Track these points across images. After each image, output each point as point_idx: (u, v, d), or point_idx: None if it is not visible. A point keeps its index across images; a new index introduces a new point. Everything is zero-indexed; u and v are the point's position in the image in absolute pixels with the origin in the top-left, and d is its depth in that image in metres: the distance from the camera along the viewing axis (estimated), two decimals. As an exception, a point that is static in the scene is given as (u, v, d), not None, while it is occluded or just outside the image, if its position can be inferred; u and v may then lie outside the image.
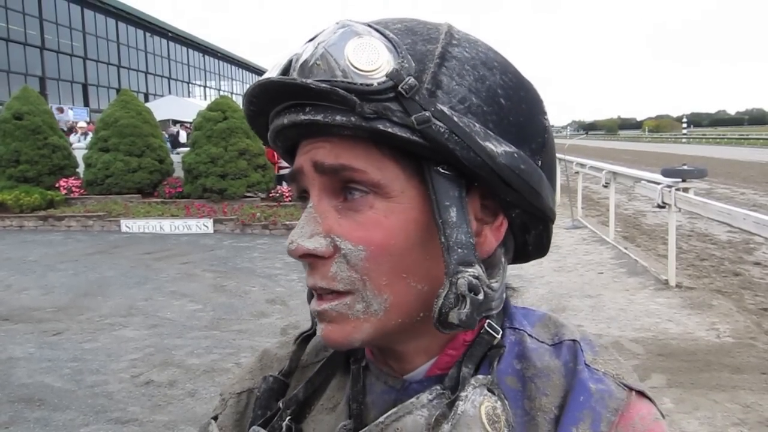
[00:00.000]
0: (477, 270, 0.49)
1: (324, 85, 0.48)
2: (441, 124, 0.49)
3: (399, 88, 0.48)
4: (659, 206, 6.57)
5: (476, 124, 0.50)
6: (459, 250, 0.49)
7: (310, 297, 0.63)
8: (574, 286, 6.51)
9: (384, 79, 0.48)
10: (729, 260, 7.80)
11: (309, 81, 0.49)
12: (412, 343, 0.56)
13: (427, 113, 0.48)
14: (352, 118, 0.49)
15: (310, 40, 0.53)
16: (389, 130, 0.49)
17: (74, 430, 3.75)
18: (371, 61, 0.49)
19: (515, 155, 0.52)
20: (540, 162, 0.55)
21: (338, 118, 0.49)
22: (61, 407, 4.05)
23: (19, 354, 5.04)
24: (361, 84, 0.48)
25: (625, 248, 8.34)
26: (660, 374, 4.19)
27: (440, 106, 0.49)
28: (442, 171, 0.51)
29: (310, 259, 0.52)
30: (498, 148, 0.51)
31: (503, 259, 0.58)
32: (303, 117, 0.51)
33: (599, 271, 7.25)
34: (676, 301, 5.86)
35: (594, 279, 6.87)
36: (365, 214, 0.51)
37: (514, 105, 0.53)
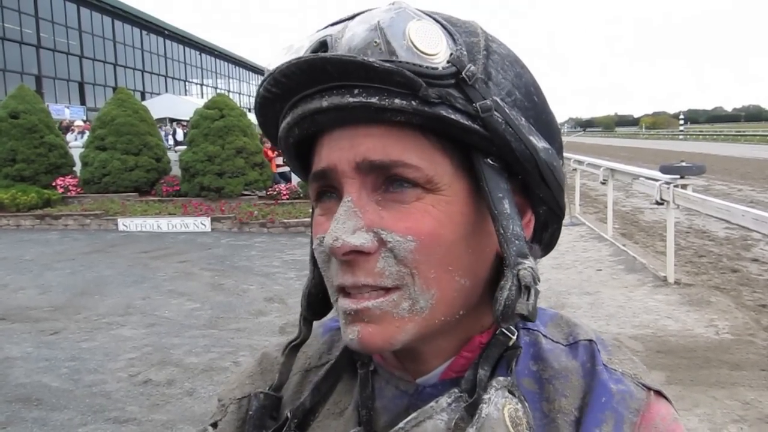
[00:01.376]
0: (532, 262, 0.49)
1: (389, 65, 0.46)
2: (498, 115, 0.48)
3: (462, 75, 0.47)
4: (657, 203, 6.57)
5: (522, 118, 0.50)
6: (516, 241, 0.49)
7: (308, 299, 0.61)
8: (572, 283, 6.51)
9: (447, 64, 0.47)
10: (727, 257, 7.80)
11: (372, 59, 0.46)
12: (434, 344, 0.55)
13: (489, 101, 0.48)
14: (413, 102, 0.46)
15: (337, 22, 0.51)
16: (452, 116, 0.47)
17: (72, 430, 3.74)
18: (433, 45, 0.47)
19: (550, 152, 0.52)
20: (562, 162, 0.56)
21: (397, 101, 0.46)
22: (59, 407, 4.04)
23: (17, 353, 5.03)
24: (428, 66, 0.46)
25: (624, 245, 8.34)
26: (659, 371, 4.18)
27: (495, 97, 0.49)
28: (491, 163, 0.50)
29: (353, 256, 0.49)
30: (539, 143, 0.51)
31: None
32: (351, 99, 0.47)
33: (597, 268, 7.24)
34: (675, 298, 5.85)
35: (592, 276, 6.87)
36: (411, 205, 0.49)
37: (542, 103, 0.54)
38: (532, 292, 0.48)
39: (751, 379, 4.03)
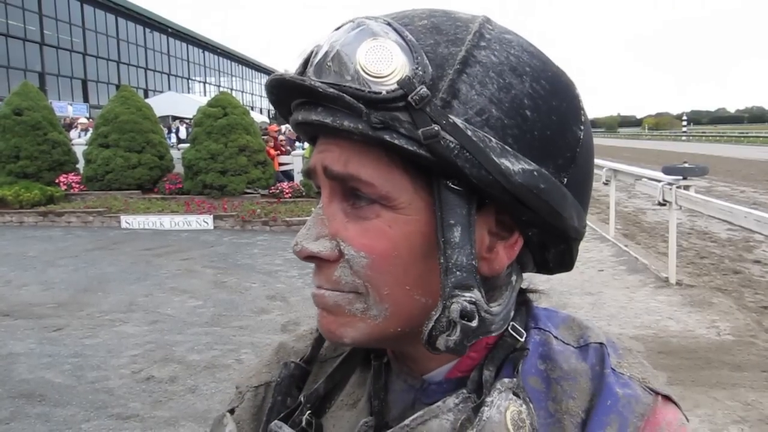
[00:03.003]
0: (475, 295, 0.47)
1: (331, 89, 0.47)
2: (451, 139, 0.46)
3: (409, 99, 0.46)
4: (660, 204, 6.57)
5: (492, 139, 0.47)
6: (457, 272, 0.47)
7: None
8: (574, 283, 6.51)
9: (394, 87, 0.46)
10: (729, 258, 7.81)
11: (316, 84, 0.47)
12: (422, 348, 0.54)
13: (436, 127, 0.46)
14: (360, 125, 0.47)
15: (336, 30, 0.51)
16: (395, 141, 0.46)
17: (75, 426, 3.75)
18: (384, 67, 0.47)
19: (534, 173, 0.48)
20: (566, 179, 0.51)
21: (346, 123, 0.47)
22: (62, 403, 4.05)
23: (20, 350, 5.05)
24: (370, 91, 0.46)
25: (626, 246, 8.34)
26: (660, 372, 4.19)
27: (453, 119, 0.46)
28: (452, 186, 0.48)
29: (315, 260, 0.52)
30: (515, 165, 0.47)
31: (514, 278, 0.56)
32: (314, 117, 0.49)
33: (599, 268, 7.25)
34: (677, 299, 5.86)
35: (594, 276, 6.87)
36: (371, 221, 0.50)
37: (541, 117, 0.50)
38: (458, 327, 0.47)
39: (752, 380, 4.04)
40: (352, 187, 0.50)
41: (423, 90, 0.46)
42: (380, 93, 0.46)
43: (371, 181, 0.49)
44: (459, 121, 0.46)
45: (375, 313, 0.51)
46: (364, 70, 0.47)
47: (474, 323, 0.47)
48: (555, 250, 0.56)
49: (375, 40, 0.47)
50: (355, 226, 0.50)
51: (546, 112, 0.50)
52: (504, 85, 0.49)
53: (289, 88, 0.51)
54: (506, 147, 0.48)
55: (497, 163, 0.47)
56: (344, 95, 0.46)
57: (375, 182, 0.49)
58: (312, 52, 0.51)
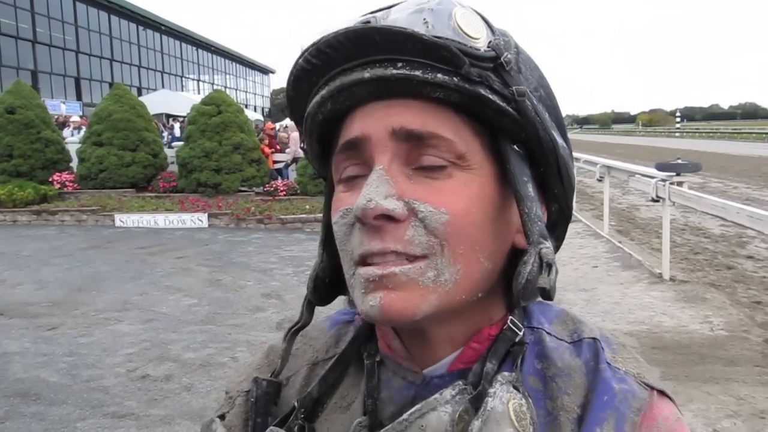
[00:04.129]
0: (550, 243, 0.51)
1: (437, 38, 0.48)
2: (529, 102, 0.51)
3: (501, 59, 0.50)
4: (653, 200, 6.60)
5: (546, 113, 0.53)
6: (539, 222, 0.51)
7: (315, 282, 0.61)
8: (568, 279, 6.53)
9: (488, 48, 0.50)
10: (722, 254, 7.84)
11: (422, 33, 0.48)
12: (444, 328, 0.55)
13: (523, 87, 0.50)
14: (455, 79, 0.48)
15: (377, 10, 0.53)
16: (490, 96, 0.49)
17: (71, 425, 3.75)
18: (476, 30, 0.50)
19: (567, 150, 0.55)
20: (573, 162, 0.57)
21: (440, 76, 0.48)
22: (57, 402, 4.05)
23: (15, 349, 5.03)
24: (472, 46, 0.49)
25: (620, 242, 8.37)
26: (654, 367, 4.20)
27: (525, 87, 0.51)
28: (517, 149, 0.52)
29: (382, 221, 0.49)
30: (559, 139, 0.53)
31: None
32: (395, 71, 0.49)
33: (594, 264, 7.27)
34: (670, 295, 5.88)
35: (588, 273, 6.90)
36: (445, 181, 0.50)
37: (557, 104, 0.57)
38: (553, 269, 0.50)
39: (745, 374, 4.06)
40: (427, 146, 0.50)
41: (509, 55, 0.50)
42: (479, 49, 0.49)
43: (452, 139, 0.50)
44: (528, 91, 0.51)
45: (447, 277, 0.50)
46: (461, 29, 0.49)
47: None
48: (558, 231, 0.60)
49: (464, 8, 0.51)
50: (423, 188, 0.50)
51: (556, 102, 0.57)
52: (540, 74, 0.56)
53: (361, 43, 0.49)
54: (552, 122, 0.54)
55: (552, 132, 0.53)
56: (450, 45, 0.48)
57: (455, 140, 0.50)
58: (369, 20, 0.52)
